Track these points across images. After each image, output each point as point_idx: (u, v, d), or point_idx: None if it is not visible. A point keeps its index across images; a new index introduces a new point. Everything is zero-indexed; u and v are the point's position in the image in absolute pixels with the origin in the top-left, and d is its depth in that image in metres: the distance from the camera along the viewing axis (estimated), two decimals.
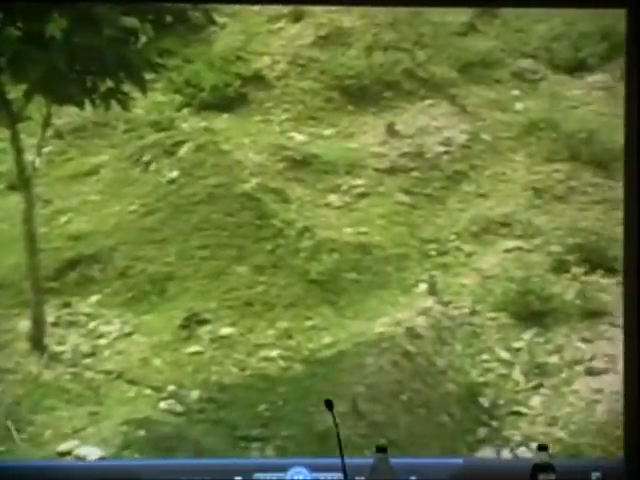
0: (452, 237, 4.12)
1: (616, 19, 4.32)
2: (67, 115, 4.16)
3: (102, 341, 4.08)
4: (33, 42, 3.82)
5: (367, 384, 3.93)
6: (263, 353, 4.06)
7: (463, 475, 3.71)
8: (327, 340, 4.05)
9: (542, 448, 3.03)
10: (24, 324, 4.02)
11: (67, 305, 4.10)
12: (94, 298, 4.11)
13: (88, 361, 4.03)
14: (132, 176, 4.28)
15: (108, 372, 4.04)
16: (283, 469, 3.70)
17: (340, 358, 3.99)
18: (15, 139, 3.98)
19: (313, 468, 3.66)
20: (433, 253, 4.11)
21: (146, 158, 4.29)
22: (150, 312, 4.14)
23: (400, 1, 4.05)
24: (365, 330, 4.03)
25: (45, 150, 4.15)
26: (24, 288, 4.02)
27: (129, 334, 4.10)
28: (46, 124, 4.08)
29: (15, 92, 3.95)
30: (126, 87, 4.06)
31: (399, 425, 3.93)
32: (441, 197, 4.16)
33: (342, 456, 2.95)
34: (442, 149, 4.21)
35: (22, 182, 4.03)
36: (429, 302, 4.03)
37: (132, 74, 4.16)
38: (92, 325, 4.10)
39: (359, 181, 4.24)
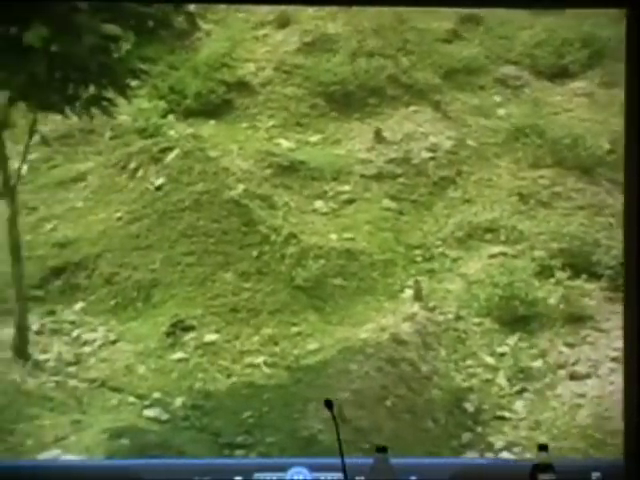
0: (438, 243, 3.77)
1: (597, 26, 4.05)
2: (53, 122, 3.72)
3: (86, 349, 3.64)
4: (12, 50, 3.45)
5: (352, 390, 3.57)
6: (248, 360, 3.66)
7: (463, 475, 3.48)
8: (312, 346, 3.66)
9: (542, 448, 2.82)
10: (7, 332, 3.60)
11: (51, 313, 3.65)
12: (78, 305, 3.69)
13: (72, 369, 3.59)
14: (118, 183, 3.84)
15: (92, 380, 3.60)
16: (283, 469, 3.44)
17: (325, 364, 3.62)
18: (0, 147, 3.60)
19: (313, 468, 3.42)
20: (419, 259, 3.75)
21: (133, 165, 3.86)
22: (135, 319, 3.69)
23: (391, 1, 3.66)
24: (350, 336, 3.66)
25: (30, 157, 3.71)
26: (8, 296, 3.59)
27: (114, 342, 3.66)
28: (31, 131, 3.66)
29: None
30: (109, 94, 3.64)
31: (384, 430, 3.65)
32: (427, 203, 3.79)
33: (342, 456, 2.75)
34: (428, 155, 3.84)
35: (7, 190, 3.59)
36: (414, 308, 3.68)
37: (115, 81, 3.61)
38: (76, 333, 3.66)
39: (346, 187, 3.84)
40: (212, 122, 4.01)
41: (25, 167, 3.80)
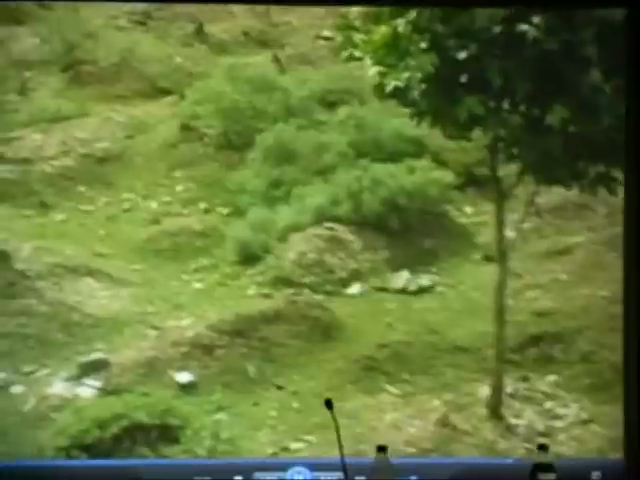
0: None
1: None
2: (549, 194, 3.75)
3: (557, 423, 3.60)
4: (532, 128, 3.55)
5: None
6: None
7: (463, 475, 3.35)
8: None
9: (542, 448, 2.70)
10: (483, 390, 3.66)
11: (525, 379, 3.66)
12: (552, 377, 3.65)
13: (542, 439, 3.43)
14: (605, 261, 3.73)
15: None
16: (283, 469, 3.33)
17: None
18: (499, 214, 3.68)
19: (313, 468, 3.31)
20: None
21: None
22: (610, 403, 3.57)
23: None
24: None
25: (523, 226, 3.77)
26: (487, 356, 3.65)
27: (586, 421, 3.59)
28: (530, 203, 3.73)
29: (505, 171, 3.68)
30: (617, 173, 3.57)
31: None
32: None
33: (342, 456, 2.62)
34: None
35: (499, 255, 3.68)
36: None
37: (624, 160, 3.54)
38: (548, 405, 3.63)
39: None
40: None
41: (517, 235, 3.84)
